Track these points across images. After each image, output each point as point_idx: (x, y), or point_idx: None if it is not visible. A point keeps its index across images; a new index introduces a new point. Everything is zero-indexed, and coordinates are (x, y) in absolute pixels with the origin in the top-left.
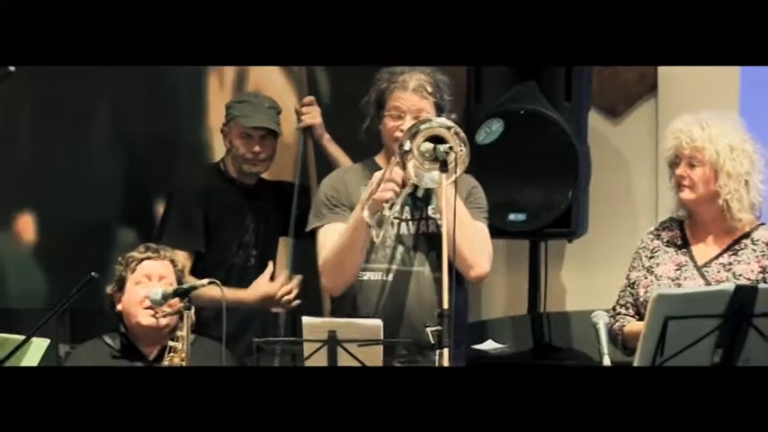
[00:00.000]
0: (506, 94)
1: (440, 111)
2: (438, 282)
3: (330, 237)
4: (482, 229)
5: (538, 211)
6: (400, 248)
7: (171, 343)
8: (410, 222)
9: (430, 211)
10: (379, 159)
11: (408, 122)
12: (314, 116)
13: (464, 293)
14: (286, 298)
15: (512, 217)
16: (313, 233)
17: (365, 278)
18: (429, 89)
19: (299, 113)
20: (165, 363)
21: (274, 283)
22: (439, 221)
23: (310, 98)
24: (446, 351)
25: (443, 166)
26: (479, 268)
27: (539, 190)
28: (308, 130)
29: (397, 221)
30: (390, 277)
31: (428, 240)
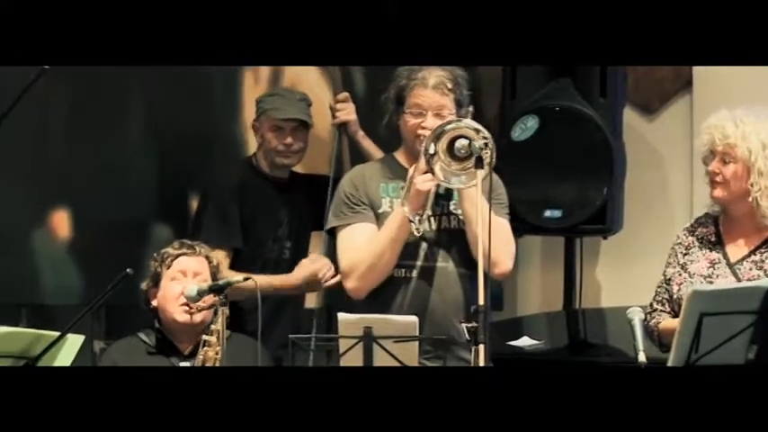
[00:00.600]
0: (541, 90)
1: (459, 106)
2: (462, 277)
3: (354, 238)
4: (504, 225)
5: (573, 208)
6: (423, 245)
7: (205, 337)
8: (431, 218)
9: (451, 207)
10: (399, 155)
11: (430, 120)
12: (349, 112)
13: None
14: (329, 274)
15: (547, 213)
16: (332, 231)
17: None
18: (449, 86)
19: (333, 110)
20: (200, 356)
21: (317, 263)
22: (461, 217)
23: (345, 94)
24: (482, 347)
25: (478, 162)
26: (503, 265)
27: (574, 187)
28: (342, 127)
29: (418, 217)
30: (414, 274)
31: (450, 236)
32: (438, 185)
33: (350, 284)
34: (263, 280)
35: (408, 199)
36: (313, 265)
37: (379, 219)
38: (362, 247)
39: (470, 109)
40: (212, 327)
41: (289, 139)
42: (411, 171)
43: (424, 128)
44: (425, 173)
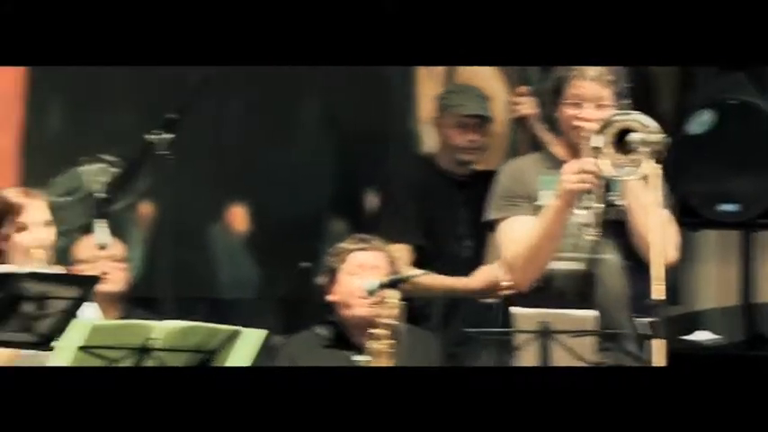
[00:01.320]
0: (717, 84)
1: (619, 98)
2: (626, 269)
3: (515, 231)
4: (667, 216)
5: (749, 202)
6: (587, 237)
7: (373, 330)
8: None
9: (613, 198)
10: (556, 148)
11: (589, 111)
12: (529, 106)
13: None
14: (507, 284)
15: (723, 207)
16: (490, 225)
17: (554, 267)
18: (609, 77)
19: (513, 104)
20: (369, 348)
21: (499, 270)
22: (622, 208)
23: (526, 88)
24: (659, 342)
25: (652, 156)
26: (669, 256)
27: (750, 180)
28: (521, 121)
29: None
30: (579, 266)
31: (613, 227)
32: (599, 178)
33: (511, 278)
34: (441, 281)
35: (574, 198)
36: (494, 271)
37: (537, 211)
38: (521, 240)
39: (628, 102)
40: (380, 320)
41: (472, 136)
42: (565, 168)
43: (581, 119)
44: (577, 172)
